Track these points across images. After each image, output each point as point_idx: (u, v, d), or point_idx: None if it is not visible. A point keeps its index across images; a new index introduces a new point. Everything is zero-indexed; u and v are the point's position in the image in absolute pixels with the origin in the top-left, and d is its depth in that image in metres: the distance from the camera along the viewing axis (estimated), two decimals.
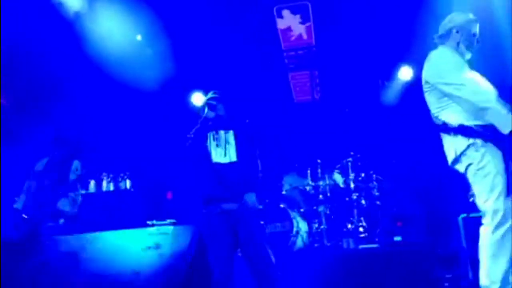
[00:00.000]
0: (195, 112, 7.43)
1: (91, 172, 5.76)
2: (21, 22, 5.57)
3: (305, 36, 7.28)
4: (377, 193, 6.02)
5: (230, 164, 3.50)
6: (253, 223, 3.47)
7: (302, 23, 7.04)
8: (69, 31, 6.13)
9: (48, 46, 6.04)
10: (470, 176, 2.89)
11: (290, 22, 7.01)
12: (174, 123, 7.50)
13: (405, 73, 7.18)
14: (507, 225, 2.71)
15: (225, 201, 3.43)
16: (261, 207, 3.60)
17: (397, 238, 5.41)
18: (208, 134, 3.59)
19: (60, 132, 4.79)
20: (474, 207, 3.02)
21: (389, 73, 7.46)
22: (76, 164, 4.45)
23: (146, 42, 6.95)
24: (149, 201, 6.22)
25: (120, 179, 5.75)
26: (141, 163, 7.00)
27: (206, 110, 3.58)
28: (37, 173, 4.42)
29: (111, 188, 5.66)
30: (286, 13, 6.85)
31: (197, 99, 7.44)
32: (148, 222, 4.35)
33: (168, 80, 7.01)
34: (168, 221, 4.41)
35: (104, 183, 5.68)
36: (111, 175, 5.74)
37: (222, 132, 3.59)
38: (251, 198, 3.44)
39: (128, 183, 5.72)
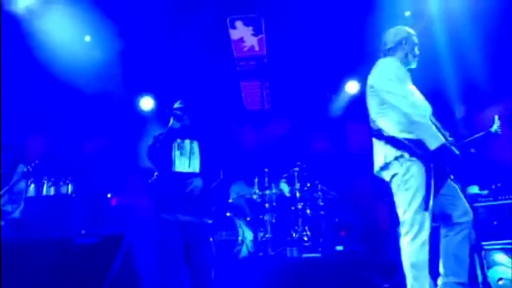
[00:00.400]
0: (143, 117, 7.37)
1: (31, 175, 5.53)
2: None
3: (257, 48, 7.38)
4: (321, 203, 6.17)
5: (192, 174, 3.51)
6: (206, 240, 3.56)
7: (255, 35, 7.14)
8: (15, 28, 5.91)
9: None
10: (394, 186, 3.04)
11: (243, 33, 7.08)
12: (122, 127, 7.37)
13: (351, 87, 7.43)
14: (423, 237, 2.87)
15: (182, 212, 3.42)
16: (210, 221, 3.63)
17: (339, 248, 5.57)
18: (173, 143, 3.60)
19: (3, 137, 4.62)
20: None
21: (336, 87, 7.69)
22: (21, 168, 4.33)
23: (95, 44, 6.78)
24: (91, 207, 6.04)
25: (61, 184, 5.53)
26: (85, 167, 6.81)
27: (171, 120, 3.58)
28: None
29: (52, 192, 5.42)
30: (239, 24, 6.92)
31: (146, 104, 7.34)
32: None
33: (117, 84, 6.88)
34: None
35: (45, 187, 5.43)
36: (52, 179, 5.51)
37: (187, 142, 3.62)
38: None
39: (70, 188, 5.51)
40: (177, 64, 7.24)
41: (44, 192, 5.46)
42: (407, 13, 6.48)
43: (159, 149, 3.51)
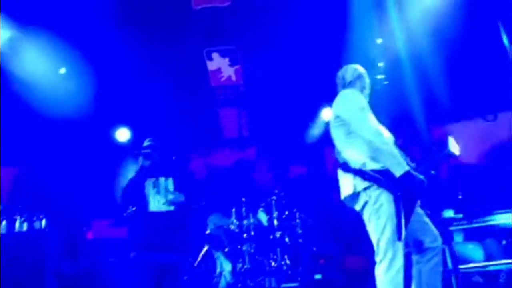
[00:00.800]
0: (119, 147, 7.33)
1: (2, 211, 5.43)
2: None
3: (234, 78, 7.49)
4: (300, 231, 6.15)
5: (168, 213, 3.48)
6: (180, 280, 3.47)
7: (231, 65, 7.25)
8: None
9: None
10: (365, 216, 3.08)
11: (220, 64, 7.21)
12: (98, 158, 7.30)
13: (327, 114, 7.53)
14: (398, 264, 2.90)
15: (158, 251, 3.37)
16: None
17: (318, 276, 5.55)
18: (148, 181, 3.57)
19: None
20: None
21: (313, 114, 7.79)
22: None
23: (70, 76, 6.78)
24: (66, 241, 5.94)
25: (35, 218, 5.43)
26: (59, 200, 6.70)
27: (141, 159, 3.55)
28: None
29: (24, 228, 5.32)
30: (215, 55, 7.05)
31: (122, 135, 7.31)
32: None
33: (92, 115, 6.86)
34: None
35: (17, 223, 5.33)
36: (24, 214, 5.41)
37: (162, 179, 3.57)
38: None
39: (43, 223, 5.42)
40: (155, 95, 7.27)
41: (17, 228, 5.38)
42: (379, 41, 6.69)
43: (132, 191, 3.48)
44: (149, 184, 3.55)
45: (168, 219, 3.47)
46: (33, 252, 5.09)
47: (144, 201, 3.49)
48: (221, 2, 6.47)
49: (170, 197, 3.51)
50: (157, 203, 3.49)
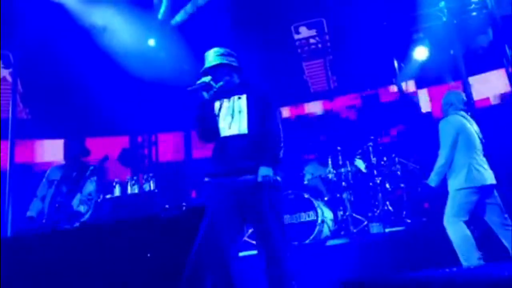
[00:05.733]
0: None
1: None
2: None
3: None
4: (401, 176, 5.95)
5: (240, 136, 3.11)
6: (265, 204, 2.98)
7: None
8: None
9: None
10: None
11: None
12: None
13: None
14: None
15: (229, 175, 3.06)
16: (279, 179, 3.09)
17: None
18: (216, 102, 3.25)
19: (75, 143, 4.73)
20: None
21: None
22: (91, 169, 4.42)
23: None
24: (173, 201, 6.31)
25: (144, 182, 5.84)
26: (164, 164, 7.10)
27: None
28: (53, 182, 4.42)
29: (136, 190, 5.73)
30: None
31: None
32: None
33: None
34: None
35: (128, 186, 5.76)
36: (134, 178, 5.83)
37: (235, 98, 3.21)
38: (264, 172, 2.99)
39: (152, 185, 5.80)
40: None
41: (129, 191, 5.82)
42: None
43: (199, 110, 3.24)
44: (217, 104, 3.27)
45: (240, 144, 3.11)
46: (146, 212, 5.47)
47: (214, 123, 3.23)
48: None
49: (242, 120, 3.16)
50: (226, 127, 3.18)
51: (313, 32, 7.83)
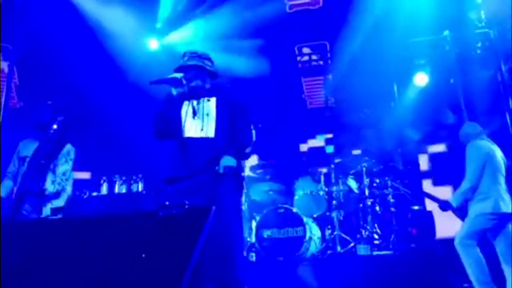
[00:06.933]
0: None
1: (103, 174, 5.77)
2: None
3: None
4: (392, 200, 5.90)
5: (204, 139, 3.04)
6: (226, 197, 2.92)
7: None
8: None
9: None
10: None
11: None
12: None
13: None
14: None
15: (188, 178, 2.98)
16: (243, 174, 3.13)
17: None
18: (184, 102, 3.17)
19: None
20: None
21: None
22: (68, 147, 3.91)
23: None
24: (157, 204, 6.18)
25: (132, 182, 5.72)
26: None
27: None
28: (25, 159, 3.86)
29: (124, 190, 5.62)
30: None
31: None
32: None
33: None
34: None
35: (116, 186, 5.65)
36: (123, 178, 5.72)
37: (204, 100, 3.14)
38: (227, 161, 2.92)
39: (140, 186, 5.69)
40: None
41: (116, 190, 5.69)
42: None
43: (165, 109, 3.18)
44: (185, 105, 3.17)
45: (206, 147, 3.05)
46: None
47: (178, 124, 3.14)
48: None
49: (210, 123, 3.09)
50: (192, 128, 3.10)
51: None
